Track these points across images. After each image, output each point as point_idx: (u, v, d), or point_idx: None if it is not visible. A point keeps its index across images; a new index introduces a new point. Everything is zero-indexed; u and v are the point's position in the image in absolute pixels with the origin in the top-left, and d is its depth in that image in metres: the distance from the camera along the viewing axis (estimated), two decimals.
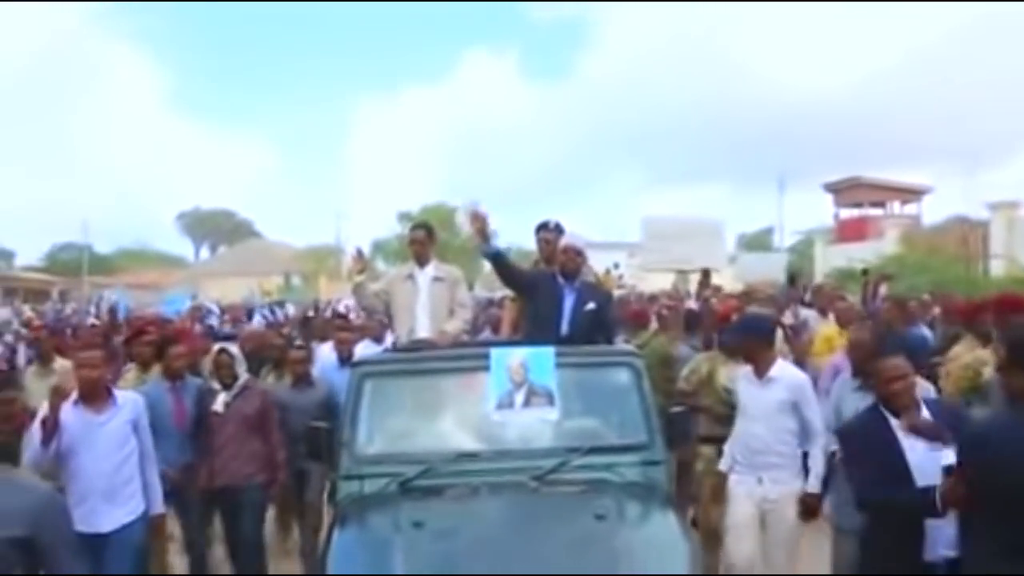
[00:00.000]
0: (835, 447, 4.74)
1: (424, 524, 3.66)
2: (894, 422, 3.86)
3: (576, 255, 5.47)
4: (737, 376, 5.42)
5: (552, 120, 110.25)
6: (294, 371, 6.86)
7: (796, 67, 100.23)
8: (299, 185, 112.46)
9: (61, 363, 7.15)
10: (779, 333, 6.97)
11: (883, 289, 10.72)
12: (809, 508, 5.06)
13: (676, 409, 5.21)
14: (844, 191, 37.88)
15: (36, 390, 6.40)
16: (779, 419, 5.06)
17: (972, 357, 5.65)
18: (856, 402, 4.82)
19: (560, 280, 5.42)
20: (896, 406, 3.87)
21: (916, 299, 10.23)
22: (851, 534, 4.48)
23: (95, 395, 4.86)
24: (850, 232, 35.94)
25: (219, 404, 6.04)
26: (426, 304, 6.03)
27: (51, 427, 4.52)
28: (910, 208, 37.93)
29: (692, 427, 5.57)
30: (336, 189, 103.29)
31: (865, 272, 11.68)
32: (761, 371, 5.15)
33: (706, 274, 13.76)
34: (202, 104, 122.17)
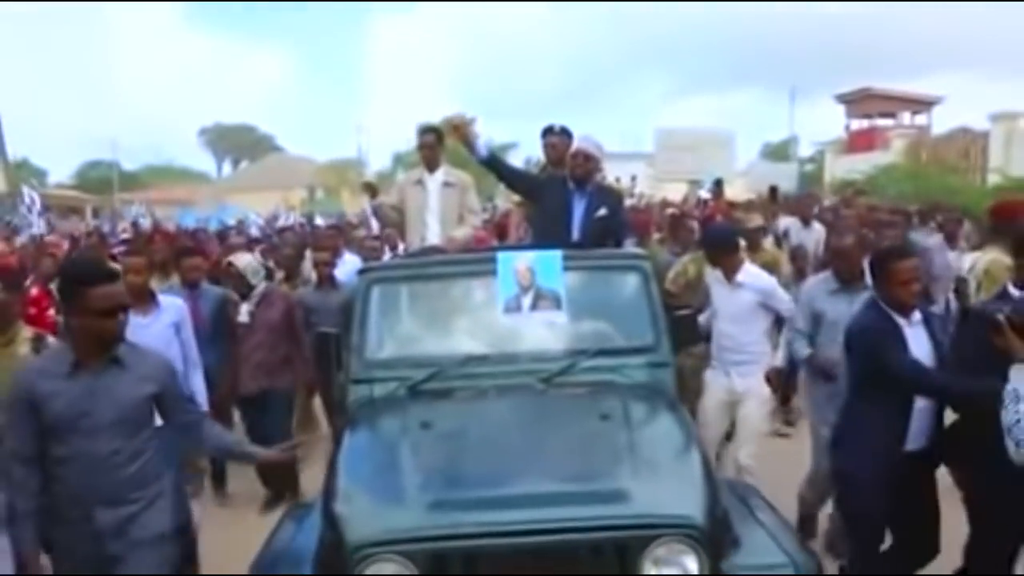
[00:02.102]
0: (806, 351, 5.05)
1: (432, 424, 3.55)
2: (900, 320, 3.89)
3: (586, 159, 5.23)
4: (711, 279, 5.61)
5: (573, 29, 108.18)
6: (319, 272, 6.82)
7: None
8: (319, 99, 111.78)
9: None
10: (769, 239, 7.85)
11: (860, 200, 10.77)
12: (772, 382, 5.42)
13: (682, 312, 5.12)
14: (855, 102, 37.15)
15: None
16: (748, 319, 5.33)
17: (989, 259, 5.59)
18: (835, 304, 4.86)
19: (570, 185, 5.20)
20: (905, 305, 3.91)
21: (888, 210, 10.22)
22: (825, 428, 4.64)
23: (139, 299, 4.93)
24: (860, 143, 35.38)
25: (243, 314, 6.07)
26: (436, 210, 5.88)
27: None
28: (920, 119, 37.14)
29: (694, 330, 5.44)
30: (356, 102, 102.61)
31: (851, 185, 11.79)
32: (729, 275, 5.39)
33: (719, 183, 13.56)
34: (219, 19, 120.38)
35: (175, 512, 3.46)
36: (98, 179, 53.08)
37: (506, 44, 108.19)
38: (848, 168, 25.25)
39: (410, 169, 6.29)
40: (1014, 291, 3.83)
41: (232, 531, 3.67)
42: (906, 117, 37.21)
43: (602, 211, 5.15)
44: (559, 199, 5.17)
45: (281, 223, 18.76)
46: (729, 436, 5.69)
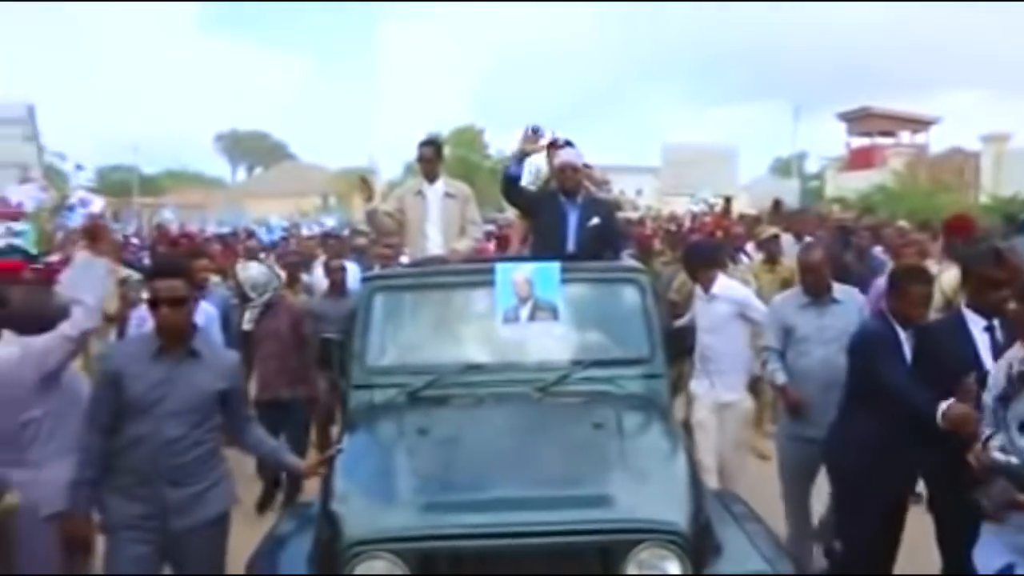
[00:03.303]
0: (782, 379, 4.91)
1: (428, 430, 3.59)
2: (902, 333, 4.06)
3: (574, 171, 5.28)
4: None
5: (584, 42, 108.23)
6: (331, 280, 6.82)
7: None
8: (332, 107, 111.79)
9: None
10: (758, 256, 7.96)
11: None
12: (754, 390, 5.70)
13: (678, 324, 5.18)
14: (855, 120, 37.17)
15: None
16: (726, 329, 5.46)
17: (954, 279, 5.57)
18: (804, 318, 4.84)
19: (562, 198, 5.24)
20: (912, 322, 4.09)
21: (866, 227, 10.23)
22: (801, 441, 4.73)
23: None
24: (860, 160, 35.42)
25: (246, 322, 6.04)
26: (436, 220, 5.88)
27: None
28: (919, 138, 37.15)
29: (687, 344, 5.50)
30: (368, 111, 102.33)
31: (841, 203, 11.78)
32: (706, 288, 5.56)
33: (728, 201, 13.60)
34: (236, 26, 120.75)
35: (230, 495, 3.67)
36: (118, 183, 53.26)
37: (517, 56, 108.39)
38: (845, 186, 25.32)
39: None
40: (968, 312, 3.90)
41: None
42: (905, 136, 37.22)
43: (594, 220, 5.18)
44: (553, 212, 5.21)
45: (305, 232, 18.76)
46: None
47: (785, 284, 6.22)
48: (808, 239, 9.22)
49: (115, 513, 3.45)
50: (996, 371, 3.22)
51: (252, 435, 3.76)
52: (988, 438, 3.06)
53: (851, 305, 4.77)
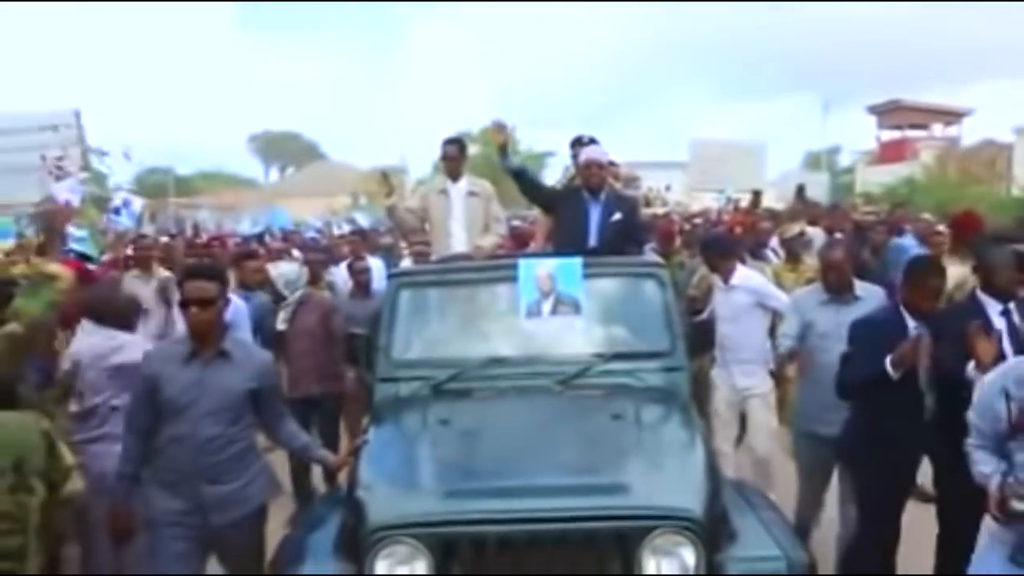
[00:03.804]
0: (789, 343, 5.07)
1: (451, 421, 3.68)
2: (910, 322, 4.10)
3: (599, 168, 5.34)
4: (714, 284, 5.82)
5: (612, 39, 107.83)
6: (356, 280, 6.89)
7: None
8: (363, 107, 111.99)
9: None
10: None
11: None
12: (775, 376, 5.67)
13: (699, 319, 5.21)
14: (885, 113, 36.77)
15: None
16: (745, 319, 5.53)
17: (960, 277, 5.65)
18: (824, 314, 4.89)
19: (585, 194, 5.30)
20: (920, 312, 4.13)
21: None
22: (819, 440, 4.77)
23: None
24: (890, 154, 35.01)
25: (280, 322, 6.12)
26: (460, 218, 5.95)
27: None
28: (951, 130, 36.66)
29: (710, 336, 5.53)
30: (399, 111, 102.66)
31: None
32: (725, 279, 5.63)
33: (756, 194, 13.44)
34: (266, 27, 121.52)
35: (265, 490, 3.77)
36: (154, 184, 53.98)
37: (546, 54, 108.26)
38: (874, 180, 25.09)
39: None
40: (984, 296, 4.03)
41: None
42: (937, 128, 36.76)
43: (616, 216, 5.24)
44: (575, 208, 5.27)
45: (336, 231, 18.95)
46: (741, 439, 5.78)
47: (808, 283, 6.19)
48: (838, 235, 9.18)
49: (156, 508, 3.56)
50: (989, 392, 3.18)
51: (285, 431, 3.83)
52: (1003, 483, 3.03)
53: (872, 303, 4.77)
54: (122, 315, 4.37)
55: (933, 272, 4.22)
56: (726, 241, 6.23)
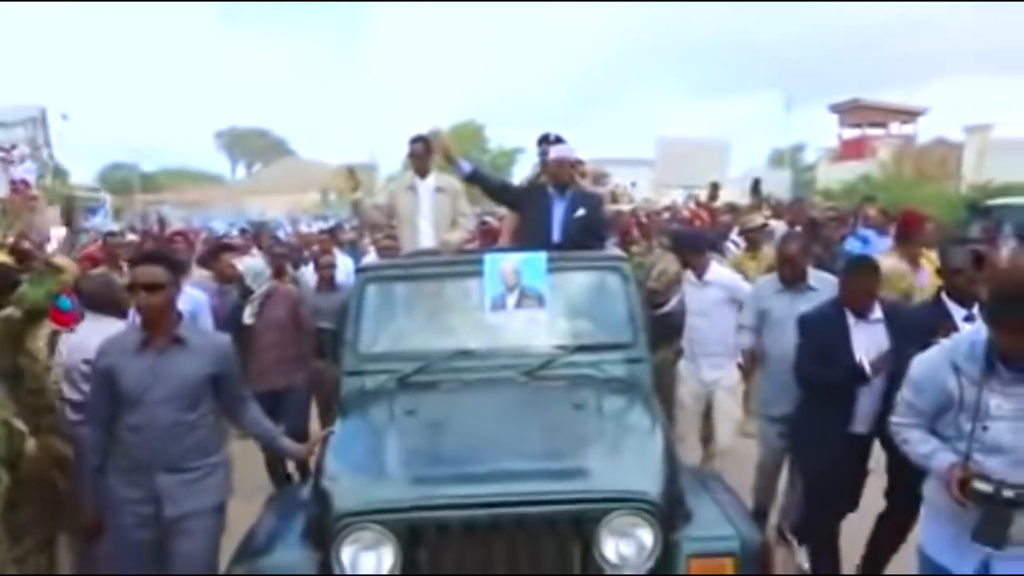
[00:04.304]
0: (747, 340, 5.34)
1: (416, 412, 3.74)
2: (851, 319, 4.30)
3: (565, 166, 5.44)
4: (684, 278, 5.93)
5: (580, 35, 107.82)
6: (322, 275, 6.92)
7: None
8: (331, 103, 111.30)
9: None
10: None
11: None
12: (742, 368, 5.77)
13: (660, 311, 5.33)
14: (846, 112, 37.31)
15: None
16: (716, 314, 5.62)
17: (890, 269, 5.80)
18: (779, 303, 5.09)
19: (550, 191, 5.38)
20: (853, 307, 4.34)
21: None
22: (776, 421, 4.99)
23: None
24: (850, 151, 35.59)
25: (247, 316, 6.12)
26: (428, 214, 6.00)
27: None
28: (908, 128, 37.30)
29: (674, 328, 5.64)
30: (368, 108, 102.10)
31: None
32: (699, 274, 5.74)
33: (714, 187, 13.51)
34: (232, 22, 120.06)
35: (225, 485, 3.72)
36: (119, 180, 53.29)
37: (514, 50, 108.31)
38: (834, 177, 25.53)
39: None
40: (950, 302, 4.11)
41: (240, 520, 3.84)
42: (895, 127, 37.37)
43: (580, 212, 5.32)
44: (540, 205, 5.36)
45: (304, 228, 18.90)
46: (707, 439, 5.93)
47: (769, 271, 6.34)
48: (798, 229, 9.36)
49: (116, 497, 3.56)
50: (931, 368, 3.08)
51: (247, 417, 3.83)
52: (963, 464, 2.93)
53: (825, 292, 4.91)
54: (117, 304, 4.47)
55: (864, 272, 4.38)
56: (699, 237, 6.37)
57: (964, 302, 4.05)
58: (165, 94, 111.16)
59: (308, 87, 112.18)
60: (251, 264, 6.50)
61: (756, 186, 10.66)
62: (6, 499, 3.30)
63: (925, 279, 5.79)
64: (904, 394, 3.19)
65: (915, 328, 3.96)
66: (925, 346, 3.36)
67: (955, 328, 3.87)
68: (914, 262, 5.97)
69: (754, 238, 7.64)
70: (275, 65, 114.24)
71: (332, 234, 10.83)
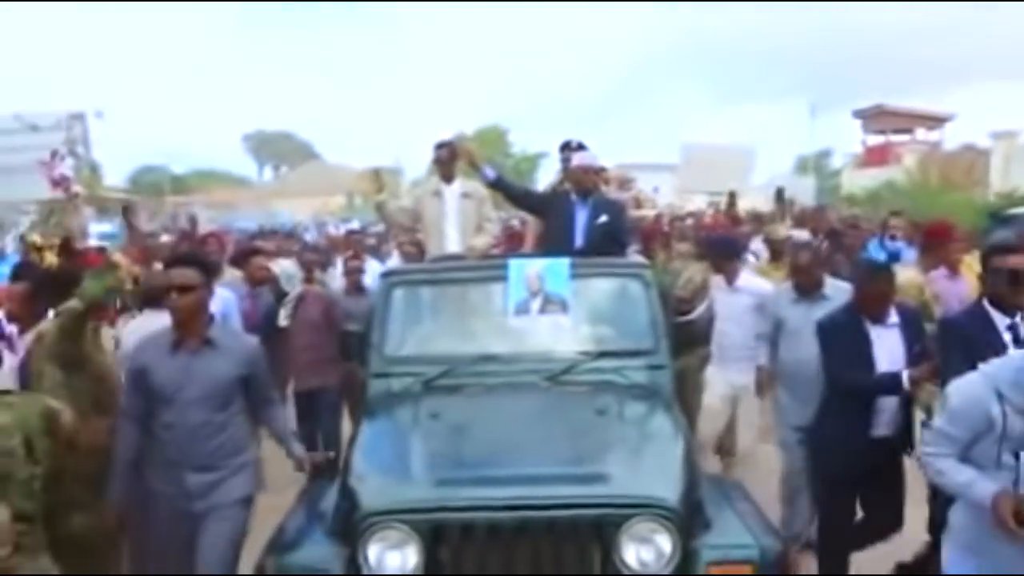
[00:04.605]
0: (761, 360, 5.43)
1: (440, 415, 3.78)
2: (869, 324, 4.28)
3: (586, 174, 5.50)
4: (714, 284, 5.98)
5: (604, 41, 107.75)
6: (349, 279, 6.99)
7: None
8: (358, 108, 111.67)
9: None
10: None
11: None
12: (759, 379, 5.62)
13: (682, 319, 5.34)
14: (870, 118, 37.05)
15: None
16: (745, 320, 5.65)
17: (906, 280, 5.79)
18: (795, 312, 5.11)
19: (573, 198, 5.42)
20: (870, 313, 4.30)
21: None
22: (797, 430, 4.94)
23: None
24: (875, 158, 35.34)
25: (282, 318, 6.21)
26: (454, 220, 6.06)
27: None
28: (934, 135, 36.97)
29: (698, 335, 5.65)
30: (394, 112, 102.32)
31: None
32: (729, 280, 5.85)
33: (732, 195, 13.53)
34: (261, 26, 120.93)
35: (252, 482, 3.78)
36: (149, 183, 53.80)
37: (538, 55, 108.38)
38: (858, 184, 25.36)
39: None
40: (992, 310, 3.87)
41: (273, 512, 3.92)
42: (920, 133, 37.07)
43: (603, 219, 5.36)
44: (563, 212, 5.39)
45: (332, 231, 19.04)
46: (727, 449, 5.98)
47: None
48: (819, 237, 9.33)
49: (152, 491, 3.67)
50: (973, 395, 2.91)
51: (267, 415, 3.92)
52: (1015, 492, 2.76)
53: (839, 300, 4.86)
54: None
55: (878, 277, 4.36)
56: (730, 243, 6.40)
57: (1007, 310, 3.83)
58: (193, 96, 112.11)
59: (334, 90, 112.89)
60: (285, 267, 6.58)
61: (780, 194, 10.62)
62: (52, 473, 3.38)
63: (964, 288, 5.65)
64: (939, 423, 3.02)
65: (956, 336, 3.84)
66: (967, 355, 3.29)
67: (996, 339, 3.70)
68: (954, 270, 5.90)
69: (778, 247, 7.64)
70: (301, 68, 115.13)
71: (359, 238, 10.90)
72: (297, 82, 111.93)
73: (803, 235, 9.50)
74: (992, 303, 3.87)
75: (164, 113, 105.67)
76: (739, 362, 5.68)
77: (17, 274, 5.04)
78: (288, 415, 6.41)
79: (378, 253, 9.04)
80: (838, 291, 5.03)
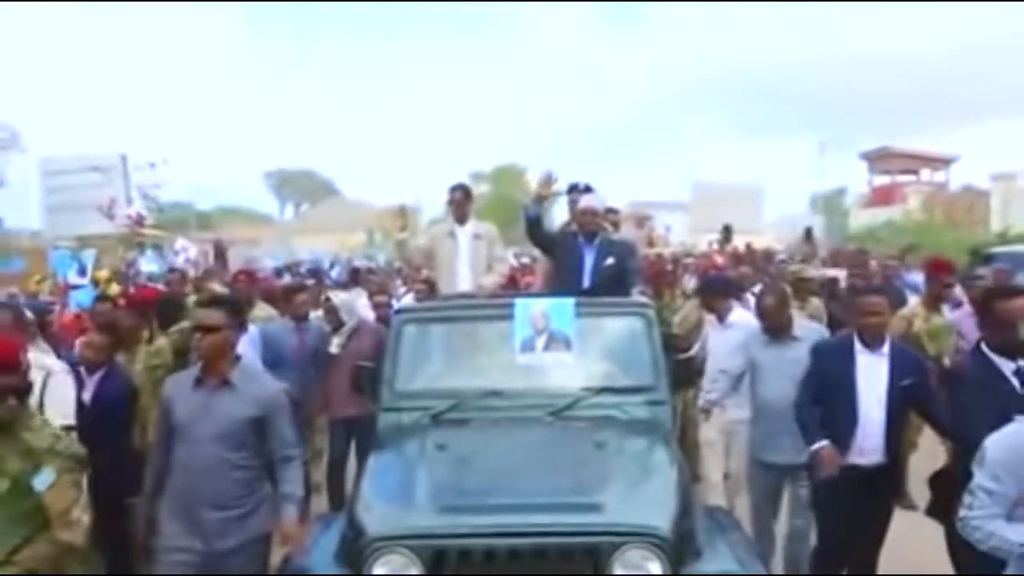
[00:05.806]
0: (712, 396, 5.42)
1: (447, 447, 3.88)
2: (858, 348, 4.34)
3: (594, 216, 5.61)
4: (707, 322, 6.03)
5: (617, 79, 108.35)
6: (378, 313, 7.15)
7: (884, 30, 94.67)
8: (377, 145, 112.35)
9: None
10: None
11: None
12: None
13: (682, 356, 5.41)
14: (876, 159, 37.19)
15: None
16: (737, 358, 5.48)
17: (907, 310, 6.06)
18: (767, 354, 5.11)
19: (580, 239, 5.55)
20: (868, 336, 4.33)
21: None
22: (769, 468, 5.07)
23: None
24: (880, 197, 35.46)
25: (334, 346, 6.33)
26: (466, 260, 6.21)
27: None
28: (939, 176, 37.07)
29: (695, 372, 5.73)
30: (413, 149, 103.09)
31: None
32: (721, 317, 5.89)
33: (726, 230, 13.38)
34: (279, 64, 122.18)
35: (270, 518, 3.75)
36: (176, 219, 54.26)
37: (554, 95, 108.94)
38: (863, 223, 25.52)
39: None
40: (993, 355, 3.72)
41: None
42: (925, 174, 37.15)
43: (609, 260, 5.48)
44: (571, 252, 5.53)
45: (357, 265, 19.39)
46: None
47: (812, 319, 6.36)
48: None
49: (162, 531, 3.68)
50: (1019, 450, 2.80)
51: (282, 473, 3.78)
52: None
53: (811, 340, 4.95)
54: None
55: (868, 294, 4.49)
56: (722, 282, 6.50)
57: (1008, 354, 3.66)
58: (216, 134, 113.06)
59: (354, 128, 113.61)
60: (345, 299, 6.73)
61: (809, 234, 10.57)
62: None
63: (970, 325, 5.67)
64: (981, 483, 2.84)
65: (964, 385, 3.77)
66: (978, 403, 3.27)
67: (1005, 384, 3.57)
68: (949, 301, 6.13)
69: (800, 287, 7.46)
70: (322, 106, 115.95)
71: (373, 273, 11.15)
72: (318, 120, 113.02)
73: (839, 274, 9.41)
74: (991, 347, 3.74)
75: (188, 150, 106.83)
76: (734, 397, 5.66)
77: (99, 322, 5.26)
78: (323, 442, 6.59)
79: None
80: (810, 332, 5.14)
